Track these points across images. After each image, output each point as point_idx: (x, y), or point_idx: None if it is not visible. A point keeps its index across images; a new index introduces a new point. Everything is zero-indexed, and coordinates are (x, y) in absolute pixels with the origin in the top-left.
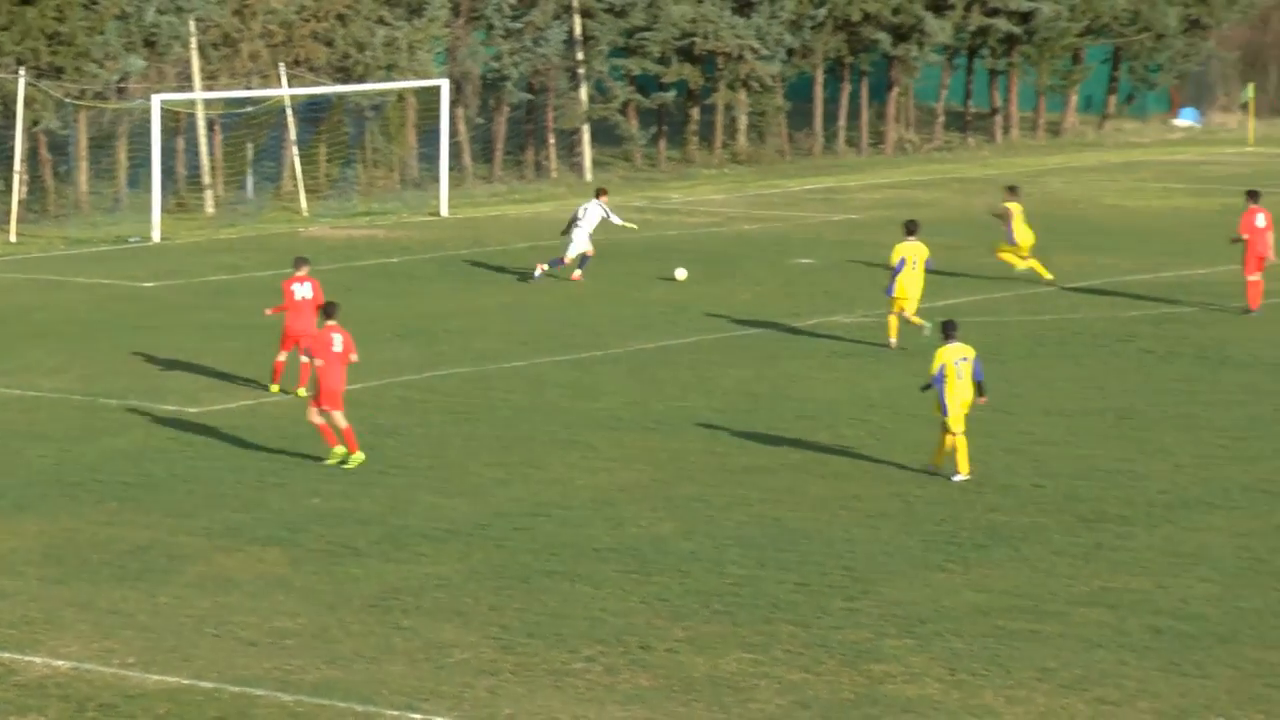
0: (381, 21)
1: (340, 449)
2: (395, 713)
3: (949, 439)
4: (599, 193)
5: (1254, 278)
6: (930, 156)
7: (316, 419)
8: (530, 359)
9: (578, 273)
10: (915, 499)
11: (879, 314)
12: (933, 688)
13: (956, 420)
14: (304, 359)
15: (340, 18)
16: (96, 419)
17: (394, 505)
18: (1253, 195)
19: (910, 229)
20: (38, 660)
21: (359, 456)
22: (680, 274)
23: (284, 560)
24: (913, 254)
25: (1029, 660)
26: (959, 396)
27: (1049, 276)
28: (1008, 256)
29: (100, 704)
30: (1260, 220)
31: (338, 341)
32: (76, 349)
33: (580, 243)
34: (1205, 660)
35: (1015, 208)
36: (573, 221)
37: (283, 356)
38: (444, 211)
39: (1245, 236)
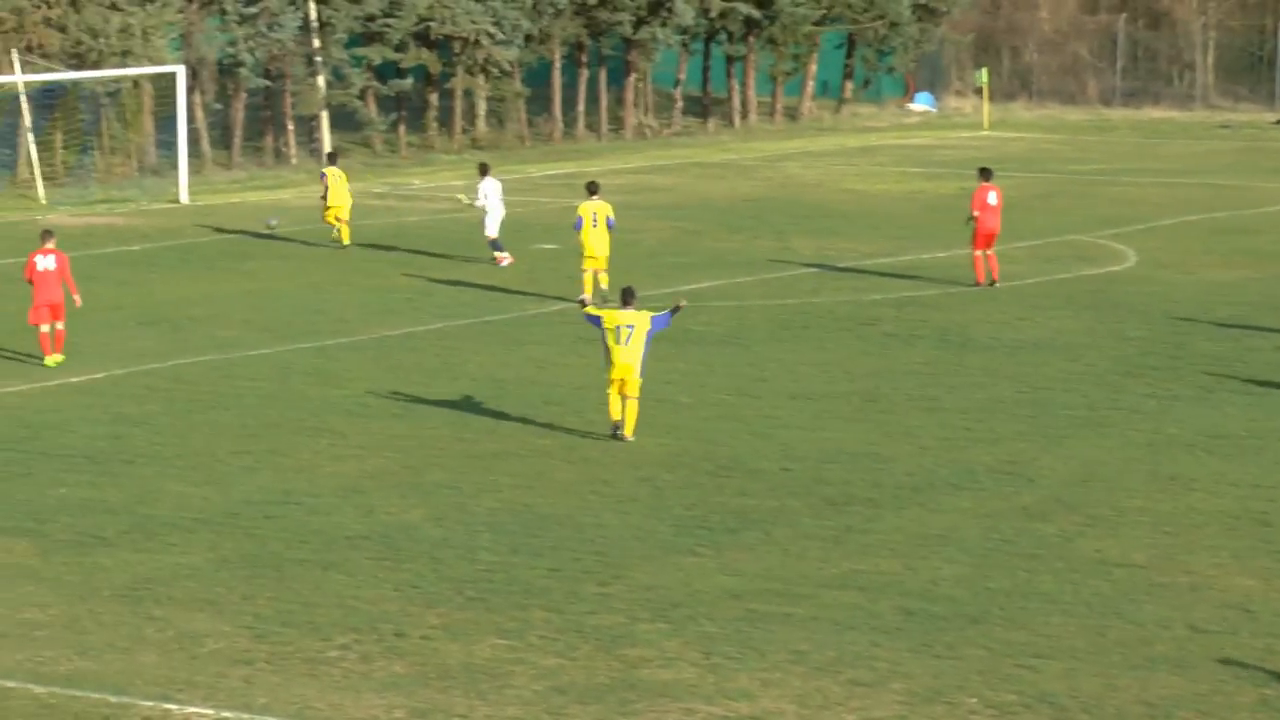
0: (114, 7)
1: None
2: (149, 703)
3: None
4: (484, 169)
5: (981, 253)
6: (670, 141)
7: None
8: (275, 346)
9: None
10: (665, 483)
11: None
12: (688, 672)
13: (617, 380)
14: (43, 330)
15: (73, 3)
16: None
17: (142, 495)
18: (985, 173)
19: (591, 189)
20: None
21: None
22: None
23: (32, 551)
24: (592, 211)
25: (782, 643)
26: (619, 360)
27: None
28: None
29: None
30: (992, 198)
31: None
32: None
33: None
34: (956, 641)
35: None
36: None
37: (45, 328)
38: (184, 199)
39: (977, 214)
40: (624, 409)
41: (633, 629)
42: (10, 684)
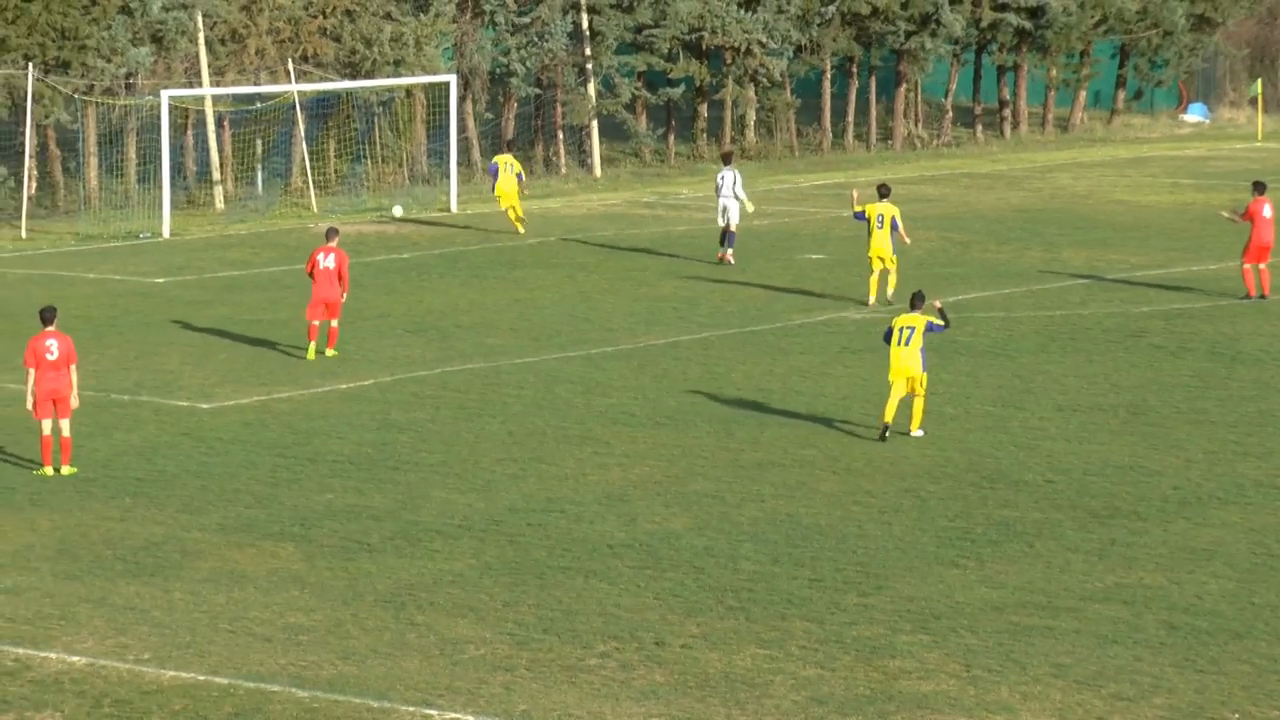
0: (389, 17)
1: (49, 469)
2: (410, 709)
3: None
4: (727, 158)
5: (1251, 266)
6: (939, 152)
7: (47, 429)
8: (541, 355)
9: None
10: (928, 494)
11: (889, 310)
12: (948, 684)
13: (898, 380)
14: (314, 324)
15: (348, 13)
16: (108, 415)
17: (407, 501)
18: (1259, 187)
19: (882, 191)
20: (53, 656)
21: (71, 470)
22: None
23: (298, 556)
24: (879, 212)
25: (1044, 656)
26: (898, 361)
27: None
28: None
29: (115, 700)
30: (1266, 211)
31: (54, 348)
32: (87, 345)
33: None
34: (1220, 656)
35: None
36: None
37: (316, 323)
38: (454, 207)
39: (1248, 222)
40: (912, 406)
41: (893, 640)
42: (274, 688)
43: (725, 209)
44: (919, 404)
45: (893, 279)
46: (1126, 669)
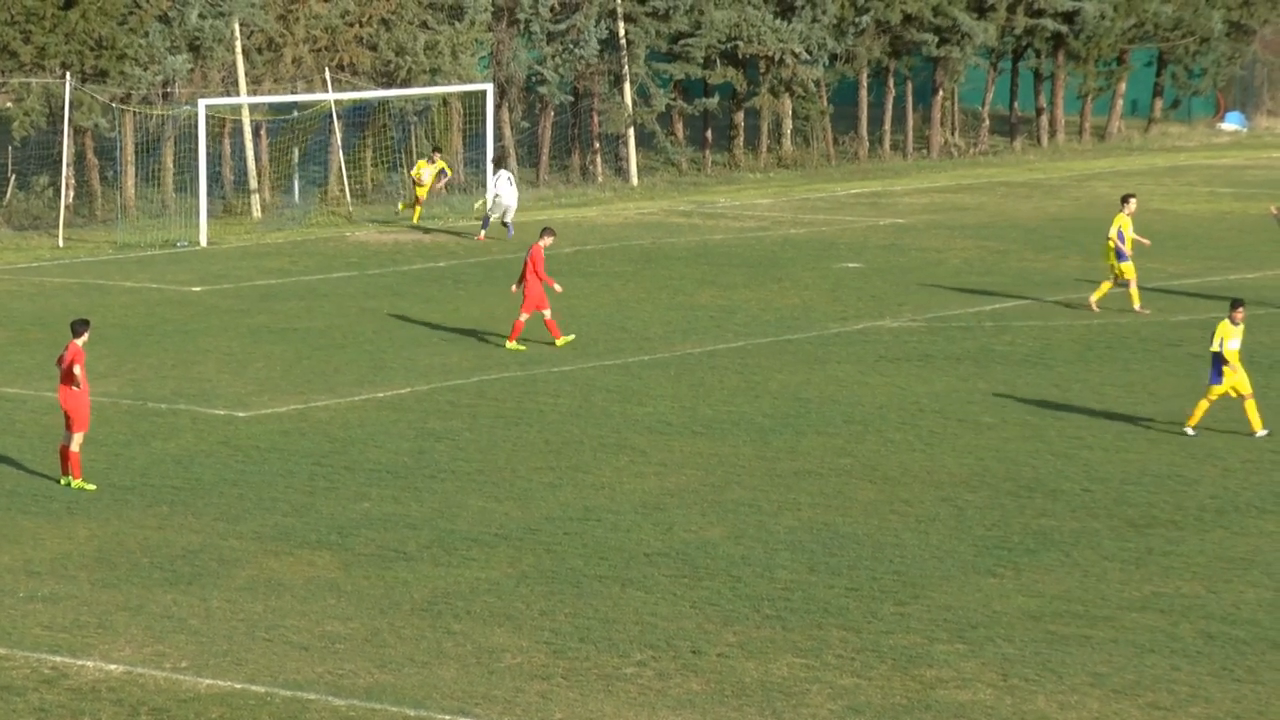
0: (424, 26)
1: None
2: (447, 717)
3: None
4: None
5: None
6: (976, 160)
7: (75, 445)
8: (577, 363)
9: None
10: (965, 504)
11: (926, 318)
12: (985, 693)
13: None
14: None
15: (384, 22)
16: (145, 423)
17: (443, 509)
18: None
19: (1125, 200)
20: (90, 664)
21: (84, 485)
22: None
23: (335, 564)
24: (1116, 227)
25: (1081, 665)
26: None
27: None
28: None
29: (152, 708)
30: None
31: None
32: (124, 353)
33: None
34: (1258, 666)
35: None
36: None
37: (525, 317)
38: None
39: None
40: (1244, 409)
41: (930, 649)
42: (311, 696)
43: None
44: (1250, 404)
45: (1134, 293)
46: (1164, 678)
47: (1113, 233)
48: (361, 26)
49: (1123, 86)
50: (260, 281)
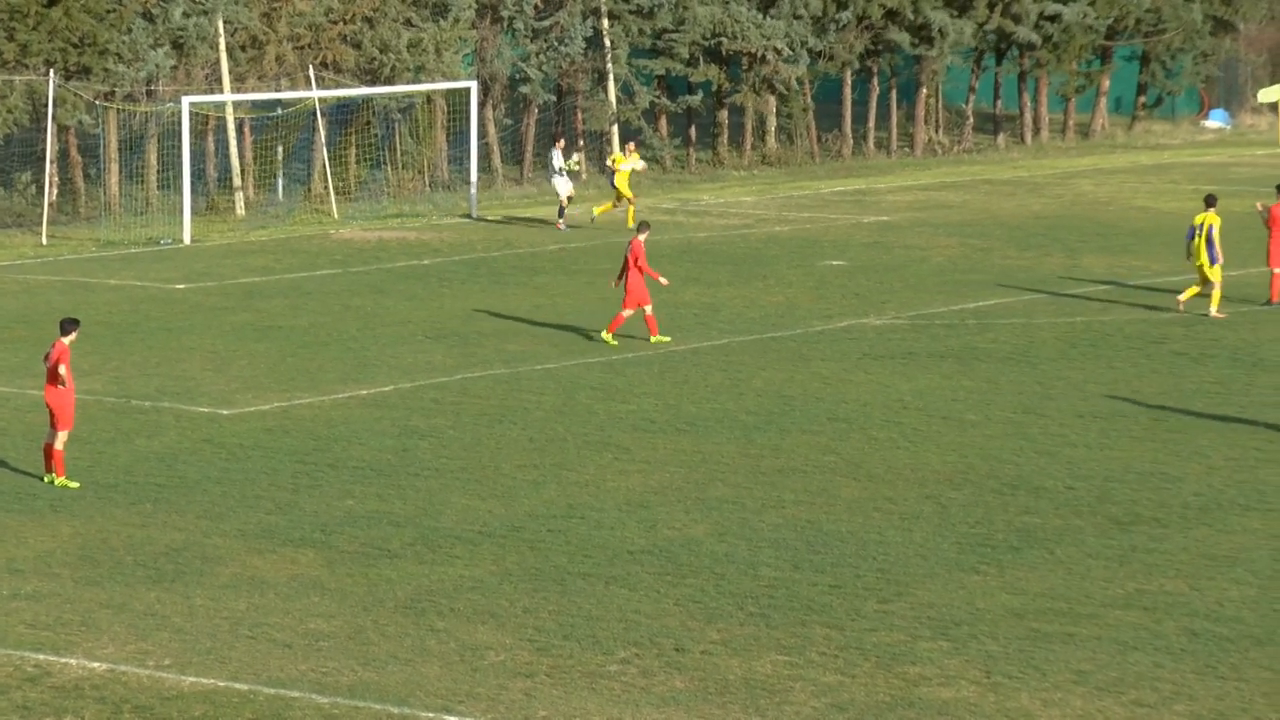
0: (408, 23)
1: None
2: (431, 715)
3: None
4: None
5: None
6: (960, 158)
7: (60, 443)
8: (561, 361)
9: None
10: (949, 501)
11: (910, 316)
12: (968, 690)
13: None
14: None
15: (367, 20)
16: (129, 421)
17: (427, 507)
18: None
19: (1209, 201)
20: (73, 662)
21: (68, 483)
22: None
23: (318, 562)
24: (1204, 222)
25: (1064, 663)
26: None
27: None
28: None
29: (136, 706)
30: None
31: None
32: (108, 351)
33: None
34: (1241, 663)
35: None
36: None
37: (628, 313)
38: (474, 213)
39: (1267, 223)
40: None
41: (914, 647)
42: (294, 694)
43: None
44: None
45: (1216, 295)
46: (1147, 676)
47: (1203, 233)
48: (345, 24)
49: (1106, 84)
50: (244, 279)
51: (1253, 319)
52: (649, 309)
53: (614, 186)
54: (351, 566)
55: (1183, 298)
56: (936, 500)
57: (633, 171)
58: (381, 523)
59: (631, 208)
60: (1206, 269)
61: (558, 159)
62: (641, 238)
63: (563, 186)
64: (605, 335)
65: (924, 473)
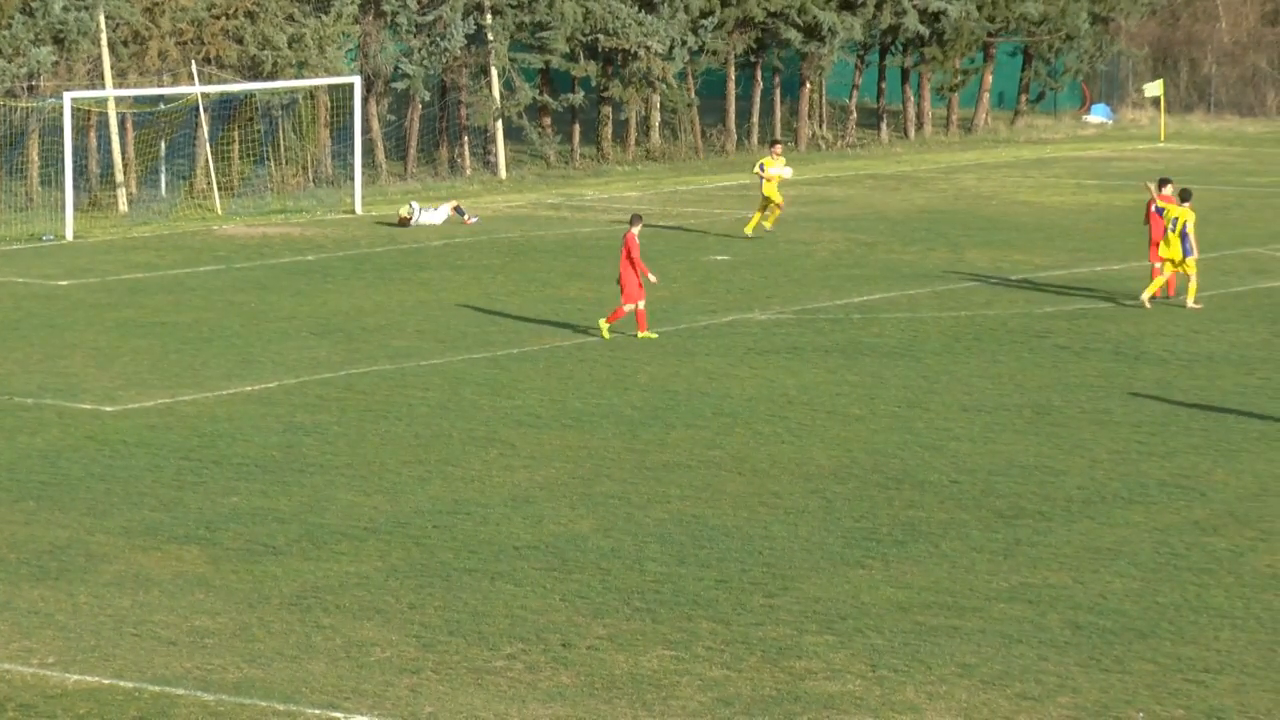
0: (290, 19)
1: None
2: (317, 711)
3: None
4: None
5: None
6: (843, 153)
7: None
8: (447, 357)
9: None
10: (834, 495)
11: (795, 310)
12: (854, 684)
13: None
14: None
15: (249, 15)
16: (11, 418)
17: (312, 503)
18: (1164, 183)
19: (1184, 196)
20: None
21: None
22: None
23: (203, 559)
24: (1175, 216)
25: (949, 656)
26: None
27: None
28: None
29: (20, 704)
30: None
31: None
32: None
33: None
34: (1125, 655)
35: None
36: None
37: (629, 307)
38: (358, 209)
39: (1150, 215)
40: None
41: (800, 641)
42: (179, 691)
43: None
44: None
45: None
46: (1032, 668)
47: (1177, 227)
48: (228, 19)
49: (989, 79)
50: (127, 275)
51: (1135, 313)
52: (641, 304)
53: (763, 195)
54: (236, 563)
55: (1145, 295)
56: (821, 495)
57: (780, 179)
58: (266, 519)
59: (777, 212)
60: (1179, 262)
61: (441, 214)
62: (635, 230)
63: (437, 217)
64: (601, 325)
65: (809, 467)
